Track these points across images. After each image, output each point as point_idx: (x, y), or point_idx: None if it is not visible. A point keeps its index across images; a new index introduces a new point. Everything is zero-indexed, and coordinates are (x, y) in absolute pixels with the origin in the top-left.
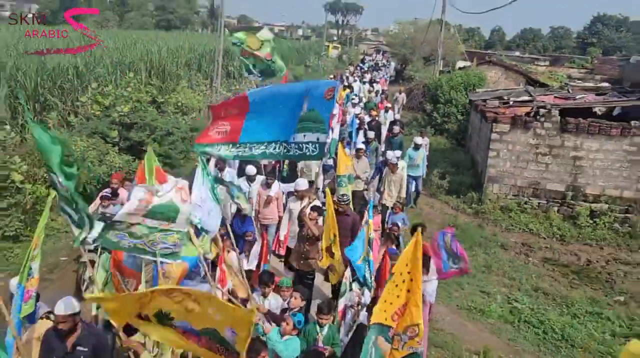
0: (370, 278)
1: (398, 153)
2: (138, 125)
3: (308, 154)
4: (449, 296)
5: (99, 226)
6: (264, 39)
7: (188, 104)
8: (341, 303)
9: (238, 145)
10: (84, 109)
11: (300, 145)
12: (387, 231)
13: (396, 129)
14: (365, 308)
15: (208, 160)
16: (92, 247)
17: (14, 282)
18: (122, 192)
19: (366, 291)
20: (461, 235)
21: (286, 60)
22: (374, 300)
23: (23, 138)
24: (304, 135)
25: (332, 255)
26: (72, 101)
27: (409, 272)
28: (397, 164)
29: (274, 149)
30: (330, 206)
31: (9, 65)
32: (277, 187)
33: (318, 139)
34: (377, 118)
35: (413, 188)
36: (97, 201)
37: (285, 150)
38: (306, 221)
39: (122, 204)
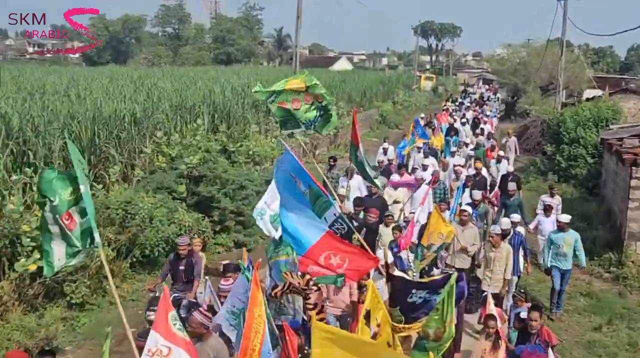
0: None
1: (516, 217)
2: (207, 178)
3: None
4: None
5: None
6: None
7: (260, 152)
8: None
9: None
10: (142, 160)
11: None
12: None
13: (511, 186)
14: None
15: None
16: None
17: None
18: None
19: None
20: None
21: (370, 94)
22: None
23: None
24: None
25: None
26: (130, 152)
27: None
28: (500, 233)
29: None
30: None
31: (62, 113)
32: None
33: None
34: (481, 171)
35: (557, 286)
36: None
37: None
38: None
39: None
